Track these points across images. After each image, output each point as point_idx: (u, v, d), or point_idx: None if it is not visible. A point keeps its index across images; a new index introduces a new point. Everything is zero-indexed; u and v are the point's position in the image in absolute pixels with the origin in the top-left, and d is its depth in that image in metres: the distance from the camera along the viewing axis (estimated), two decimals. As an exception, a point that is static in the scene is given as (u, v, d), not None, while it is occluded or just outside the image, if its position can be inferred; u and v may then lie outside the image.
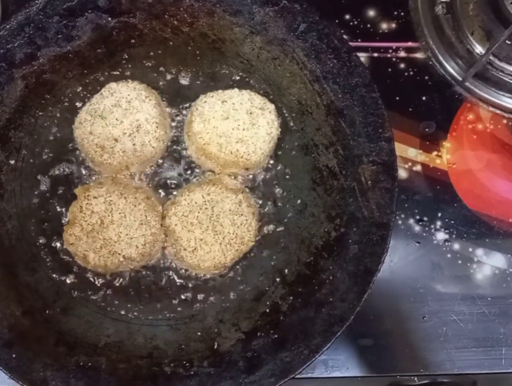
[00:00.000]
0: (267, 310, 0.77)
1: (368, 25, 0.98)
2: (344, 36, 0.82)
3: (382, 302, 0.87)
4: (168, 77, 0.86)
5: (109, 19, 0.82)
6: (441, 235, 0.90)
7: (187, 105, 0.84)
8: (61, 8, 0.81)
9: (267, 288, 0.79)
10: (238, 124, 0.79)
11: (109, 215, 0.77)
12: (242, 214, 0.77)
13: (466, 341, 0.86)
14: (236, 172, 0.81)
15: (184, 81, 0.86)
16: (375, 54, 0.97)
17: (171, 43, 0.85)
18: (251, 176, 0.83)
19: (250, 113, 0.80)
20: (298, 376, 0.83)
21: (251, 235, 0.78)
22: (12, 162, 0.82)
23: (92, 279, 0.80)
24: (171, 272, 0.81)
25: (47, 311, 0.77)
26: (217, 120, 0.79)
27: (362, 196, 0.77)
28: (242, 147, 0.79)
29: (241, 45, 0.84)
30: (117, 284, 0.80)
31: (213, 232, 0.77)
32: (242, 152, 0.79)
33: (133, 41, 0.85)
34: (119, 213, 0.77)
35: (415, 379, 0.87)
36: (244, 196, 0.79)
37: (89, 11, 0.82)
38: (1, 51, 0.80)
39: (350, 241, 0.76)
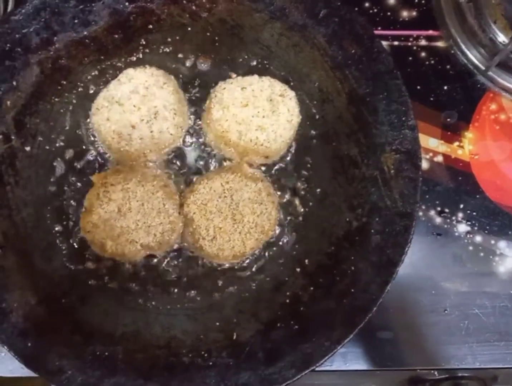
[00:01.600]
0: (287, 301, 0.76)
1: (388, 13, 0.96)
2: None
3: (403, 295, 0.86)
4: (186, 63, 0.84)
5: (126, 4, 0.81)
6: (463, 227, 0.88)
7: (206, 92, 0.82)
8: (77, -6, 0.80)
9: (287, 279, 0.78)
10: (258, 111, 0.78)
11: (126, 203, 0.76)
12: (262, 203, 0.76)
13: (488, 335, 0.85)
14: (256, 160, 0.79)
15: (202, 67, 0.84)
16: (395, 43, 0.95)
17: (189, 29, 0.84)
18: (271, 165, 0.81)
19: (270, 100, 0.78)
20: (317, 368, 0.82)
21: (271, 224, 0.76)
22: (28, 148, 0.80)
23: (109, 268, 0.78)
24: (189, 261, 0.79)
25: (63, 300, 0.76)
26: (236, 107, 0.78)
27: (384, 186, 0.75)
28: (262, 135, 0.77)
29: (261, 31, 0.82)
30: (134, 273, 0.78)
31: (232, 220, 0.75)
32: (262, 140, 0.77)
33: (150, 26, 0.83)
34: (137, 201, 0.76)
35: (435, 373, 0.85)
36: (264, 185, 0.77)
37: (107, -5, 0.80)
38: (17, 36, 0.79)
39: (372, 231, 0.74)
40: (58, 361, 0.70)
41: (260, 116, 0.78)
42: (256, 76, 0.80)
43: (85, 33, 0.81)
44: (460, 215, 0.89)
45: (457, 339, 0.85)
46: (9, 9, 0.91)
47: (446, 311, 0.85)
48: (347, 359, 0.84)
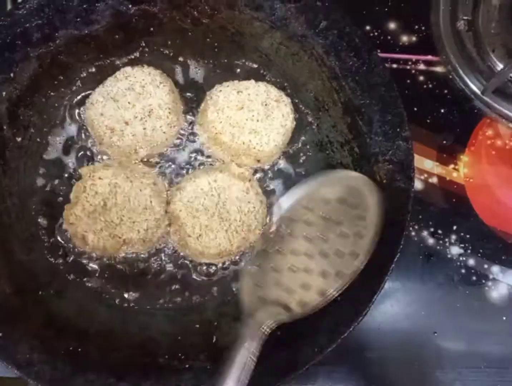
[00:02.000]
0: (271, 307, 0.73)
1: (389, 37, 0.98)
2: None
3: (391, 313, 0.83)
4: (185, 66, 0.85)
5: (130, 6, 0.82)
6: (455, 249, 0.87)
7: (202, 94, 0.83)
8: (81, -6, 0.81)
9: (271, 284, 0.75)
10: (252, 115, 0.78)
11: (113, 198, 0.75)
12: (249, 202, 0.75)
13: (479, 361, 0.81)
14: (247, 163, 0.79)
15: (201, 71, 0.85)
16: (394, 66, 0.96)
17: (190, 33, 0.84)
18: (262, 171, 0.81)
19: (266, 105, 0.78)
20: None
21: (258, 223, 0.75)
22: (19, 139, 0.80)
23: (89, 264, 0.76)
24: (172, 262, 0.77)
25: (39, 292, 0.73)
26: (231, 109, 0.78)
27: (376, 195, 0.73)
28: (255, 138, 0.77)
29: (260, 40, 0.83)
30: (115, 271, 0.77)
31: (219, 218, 0.74)
32: (255, 143, 0.77)
33: (152, 29, 0.84)
34: (123, 196, 0.75)
35: (423, 399, 0.81)
36: (252, 184, 0.76)
37: (110, -4, 0.81)
38: (19, 29, 0.79)
39: (362, 239, 0.72)
40: (29, 353, 0.67)
41: (254, 120, 0.78)
42: (252, 81, 0.80)
43: (87, 31, 0.82)
44: (453, 237, 0.87)
45: (446, 363, 0.82)
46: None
47: (435, 333, 0.82)
48: (332, 378, 0.80)
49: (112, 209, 0.74)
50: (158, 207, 0.75)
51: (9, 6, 0.95)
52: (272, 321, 0.64)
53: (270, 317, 0.64)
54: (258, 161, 0.79)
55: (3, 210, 0.76)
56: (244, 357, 0.60)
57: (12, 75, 0.78)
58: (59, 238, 0.77)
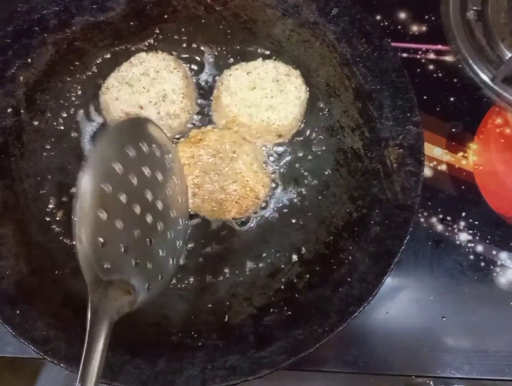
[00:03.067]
0: (282, 287, 0.75)
1: (399, 27, 0.98)
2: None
3: (400, 296, 0.84)
4: (198, 53, 0.86)
5: (144, -7, 0.83)
6: (464, 236, 0.87)
7: (215, 80, 0.84)
8: (95, -16, 0.83)
9: (283, 266, 0.77)
10: (265, 92, 0.79)
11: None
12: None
13: (487, 345, 0.82)
14: (270, 140, 0.81)
15: (214, 57, 0.86)
16: (404, 55, 0.97)
17: (203, 20, 0.86)
18: (275, 154, 0.82)
19: (277, 81, 0.80)
20: (309, 369, 0.80)
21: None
22: (36, 123, 0.81)
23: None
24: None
25: (56, 272, 0.75)
26: (244, 91, 0.79)
27: (386, 179, 0.75)
28: (273, 114, 0.78)
29: (273, 27, 0.84)
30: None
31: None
32: (274, 119, 0.78)
33: (166, 16, 0.85)
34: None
35: (431, 383, 0.82)
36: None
37: (125, -16, 0.83)
38: (36, 16, 0.81)
39: (372, 222, 0.73)
40: (45, 331, 0.69)
41: (269, 97, 0.79)
42: (259, 60, 0.82)
43: (102, 18, 0.83)
44: (462, 223, 0.88)
45: (455, 347, 0.82)
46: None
47: (444, 318, 0.83)
48: (340, 362, 0.81)
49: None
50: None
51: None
52: (117, 315, 0.59)
53: (114, 312, 0.59)
54: (280, 136, 0.80)
55: (20, 192, 0.78)
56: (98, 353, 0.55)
57: (29, 60, 0.80)
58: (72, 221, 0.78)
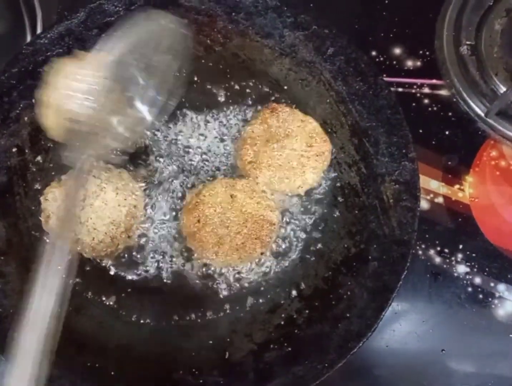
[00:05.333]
0: (282, 323, 0.76)
1: (394, 62, 1.00)
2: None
3: (400, 329, 0.85)
4: (198, 90, 0.88)
5: (146, 35, 0.86)
6: (462, 268, 0.88)
7: (215, 114, 0.86)
8: (101, 22, 0.85)
9: (282, 302, 0.78)
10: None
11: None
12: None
13: (486, 378, 0.83)
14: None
15: (213, 95, 0.88)
16: (400, 89, 0.98)
17: (203, 61, 0.88)
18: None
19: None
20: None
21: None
22: (40, 162, 0.83)
23: (105, 282, 0.79)
24: (186, 280, 0.79)
25: (58, 309, 0.76)
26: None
27: (383, 214, 0.76)
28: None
29: (270, 66, 0.86)
30: (130, 289, 0.79)
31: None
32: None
33: (167, 56, 0.87)
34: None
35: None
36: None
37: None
38: (41, 58, 0.83)
39: (369, 257, 0.75)
40: (49, 370, 0.69)
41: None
42: None
43: (105, 59, 0.85)
44: (460, 256, 0.89)
45: (455, 381, 0.83)
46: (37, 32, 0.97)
47: (443, 351, 0.84)
48: (341, 395, 0.82)
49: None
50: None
51: (28, 38, 1.00)
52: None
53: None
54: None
55: (24, 230, 0.79)
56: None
57: (33, 101, 0.82)
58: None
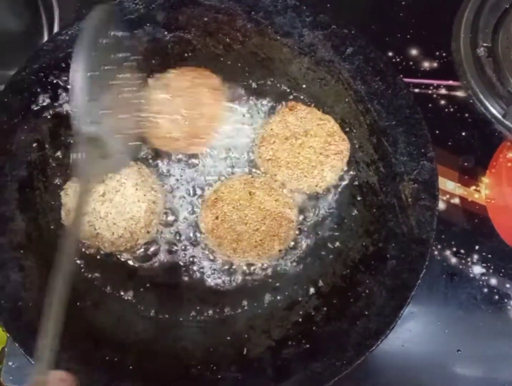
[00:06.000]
0: (300, 320, 0.76)
1: (410, 63, 1.01)
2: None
3: (416, 329, 0.85)
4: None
5: (166, 33, 0.86)
6: (478, 269, 0.88)
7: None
8: (121, 20, 0.85)
9: (300, 299, 0.78)
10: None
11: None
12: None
13: (502, 380, 0.82)
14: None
15: (232, 94, 0.88)
16: (416, 90, 0.99)
17: (222, 59, 0.88)
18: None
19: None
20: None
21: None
22: (60, 157, 0.83)
23: (124, 277, 0.79)
24: (204, 275, 0.80)
25: (77, 303, 0.76)
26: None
27: (401, 213, 0.76)
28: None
29: (289, 65, 0.86)
30: (149, 284, 0.79)
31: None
32: None
33: (186, 55, 0.88)
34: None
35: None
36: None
37: (148, 24, 0.86)
38: (61, 54, 0.84)
39: (388, 256, 0.75)
40: (67, 363, 0.70)
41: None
42: None
43: (124, 55, 0.86)
44: (476, 257, 0.89)
45: (470, 382, 0.83)
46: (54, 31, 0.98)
47: (459, 351, 0.84)
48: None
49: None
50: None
51: (46, 36, 1.01)
52: None
53: None
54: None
55: (44, 225, 0.80)
56: None
57: (54, 96, 0.83)
58: (94, 255, 0.80)
